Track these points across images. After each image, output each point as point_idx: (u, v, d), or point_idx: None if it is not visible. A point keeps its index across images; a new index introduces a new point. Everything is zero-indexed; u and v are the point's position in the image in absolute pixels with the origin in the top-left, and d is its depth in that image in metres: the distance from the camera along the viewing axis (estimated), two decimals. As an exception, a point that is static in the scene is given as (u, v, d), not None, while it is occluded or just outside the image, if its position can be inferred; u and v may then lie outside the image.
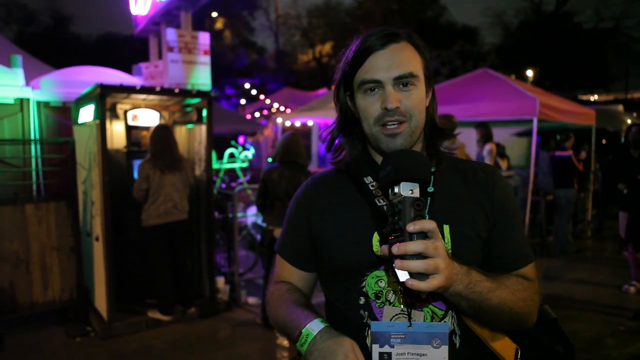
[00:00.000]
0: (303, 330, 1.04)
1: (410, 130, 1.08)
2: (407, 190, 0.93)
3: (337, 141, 1.23)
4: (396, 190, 0.94)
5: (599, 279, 5.83)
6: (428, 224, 0.90)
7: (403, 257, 0.89)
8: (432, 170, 1.13)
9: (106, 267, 4.12)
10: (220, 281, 5.18)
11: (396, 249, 0.89)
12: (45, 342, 4.16)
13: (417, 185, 0.95)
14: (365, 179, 1.13)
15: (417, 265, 0.88)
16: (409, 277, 0.89)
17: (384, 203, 1.07)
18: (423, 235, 0.90)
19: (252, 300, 5.11)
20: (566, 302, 4.99)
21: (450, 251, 1.06)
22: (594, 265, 6.57)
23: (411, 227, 0.89)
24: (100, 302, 4.32)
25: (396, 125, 1.06)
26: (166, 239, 4.43)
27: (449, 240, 1.07)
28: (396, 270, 0.90)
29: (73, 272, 4.51)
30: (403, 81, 1.06)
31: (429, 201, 1.10)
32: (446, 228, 1.08)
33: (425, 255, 0.89)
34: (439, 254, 0.90)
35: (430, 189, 1.12)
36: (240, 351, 4.06)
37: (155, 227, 4.33)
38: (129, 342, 4.13)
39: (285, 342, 4.11)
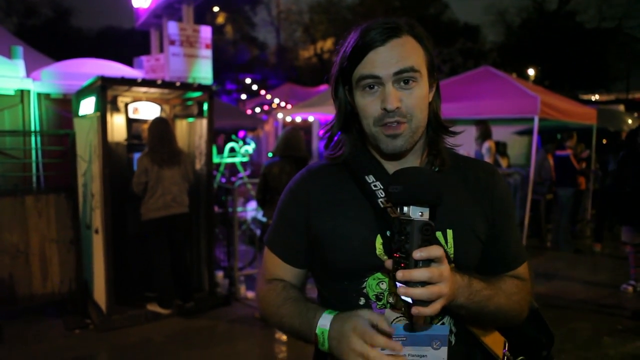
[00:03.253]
0: (317, 332, 1.02)
1: (411, 131, 1.04)
2: (417, 213, 0.89)
3: (336, 138, 1.18)
4: (405, 210, 0.91)
5: (597, 278, 5.84)
6: (435, 251, 0.87)
7: (407, 282, 0.86)
8: (436, 170, 1.12)
9: (106, 260, 4.12)
10: (220, 275, 5.19)
11: (400, 275, 0.86)
12: (44, 334, 4.16)
13: (427, 209, 0.91)
14: (367, 177, 1.09)
15: (421, 293, 0.85)
16: (411, 302, 0.87)
17: (388, 205, 1.04)
18: (429, 261, 0.87)
19: (251, 294, 5.11)
20: (564, 300, 5.00)
21: (452, 256, 1.05)
22: (592, 264, 6.59)
23: (417, 255, 0.86)
24: (100, 294, 4.32)
25: (396, 125, 1.02)
26: (165, 232, 4.42)
27: (452, 245, 1.06)
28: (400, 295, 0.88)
29: (72, 264, 4.51)
30: (404, 77, 1.01)
31: None
32: (449, 233, 1.06)
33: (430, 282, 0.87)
34: (444, 279, 0.88)
35: None
36: (238, 345, 4.07)
37: (154, 220, 4.32)
38: (128, 335, 4.14)
39: (283, 337, 4.12)
